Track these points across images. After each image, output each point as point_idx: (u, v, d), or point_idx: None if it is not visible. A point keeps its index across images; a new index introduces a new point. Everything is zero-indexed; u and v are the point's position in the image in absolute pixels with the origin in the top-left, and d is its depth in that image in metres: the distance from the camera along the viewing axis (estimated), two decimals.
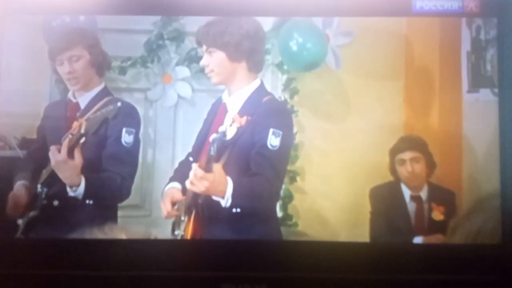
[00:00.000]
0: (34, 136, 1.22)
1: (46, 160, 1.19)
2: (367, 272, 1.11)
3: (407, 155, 1.21)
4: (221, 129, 1.15)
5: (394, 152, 1.21)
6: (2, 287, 1.11)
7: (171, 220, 1.20)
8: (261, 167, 1.16)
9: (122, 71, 1.26)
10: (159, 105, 1.27)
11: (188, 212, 1.18)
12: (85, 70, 1.24)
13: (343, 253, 1.13)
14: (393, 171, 1.22)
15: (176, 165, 1.23)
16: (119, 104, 1.20)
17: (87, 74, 1.25)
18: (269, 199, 1.19)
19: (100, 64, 1.24)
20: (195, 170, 1.12)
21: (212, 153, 1.11)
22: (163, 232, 1.20)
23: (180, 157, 1.23)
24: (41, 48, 1.23)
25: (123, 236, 1.16)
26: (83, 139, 1.18)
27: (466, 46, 1.22)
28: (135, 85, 1.27)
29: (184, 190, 1.19)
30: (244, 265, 1.12)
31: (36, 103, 1.24)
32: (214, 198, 1.14)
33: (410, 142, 1.21)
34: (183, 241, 1.18)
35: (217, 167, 1.12)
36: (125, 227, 1.18)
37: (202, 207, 1.17)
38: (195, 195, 1.16)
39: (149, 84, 1.27)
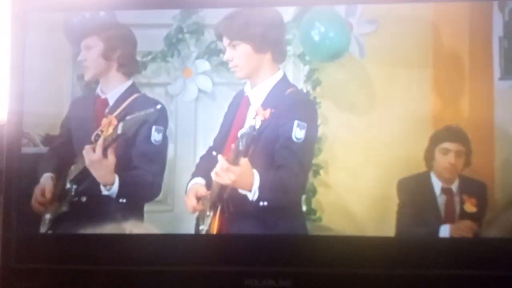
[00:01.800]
0: (58, 132, 1.24)
1: (73, 155, 1.22)
2: (394, 267, 1.08)
3: (453, 146, 1.16)
4: (250, 123, 1.13)
5: (438, 139, 1.16)
6: (29, 281, 1.14)
7: (194, 215, 1.19)
8: (286, 159, 1.14)
9: (143, 66, 1.26)
10: (180, 100, 1.26)
11: (213, 207, 1.17)
12: (96, 60, 1.25)
13: (368, 247, 1.11)
14: (429, 159, 1.17)
15: (197, 159, 1.22)
16: (158, 106, 1.20)
17: (98, 64, 1.26)
18: (295, 192, 1.17)
19: (122, 63, 1.25)
20: (221, 162, 1.11)
21: (240, 147, 1.10)
22: (185, 227, 1.20)
23: (202, 151, 1.22)
24: (61, 47, 1.25)
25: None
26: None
27: (498, 31, 1.17)
28: (155, 80, 1.27)
29: (208, 185, 1.18)
30: (268, 260, 1.11)
31: (58, 101, 1.25)
32: (241, 191, 1.13)
33: (458, 135, 1.16)
34: (207, 236, 1.17)
35: (244, 161, 1.11)
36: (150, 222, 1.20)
37: (227, 202, 1.16)
38: (221, 190, 1.15)
39: (169, 78, 1.26)
